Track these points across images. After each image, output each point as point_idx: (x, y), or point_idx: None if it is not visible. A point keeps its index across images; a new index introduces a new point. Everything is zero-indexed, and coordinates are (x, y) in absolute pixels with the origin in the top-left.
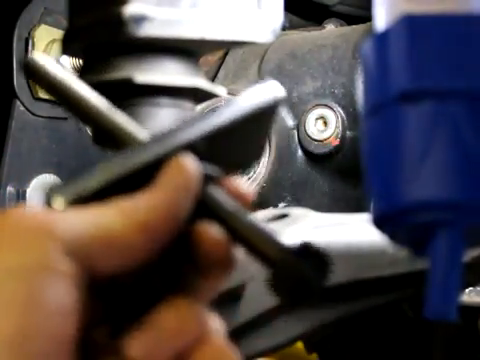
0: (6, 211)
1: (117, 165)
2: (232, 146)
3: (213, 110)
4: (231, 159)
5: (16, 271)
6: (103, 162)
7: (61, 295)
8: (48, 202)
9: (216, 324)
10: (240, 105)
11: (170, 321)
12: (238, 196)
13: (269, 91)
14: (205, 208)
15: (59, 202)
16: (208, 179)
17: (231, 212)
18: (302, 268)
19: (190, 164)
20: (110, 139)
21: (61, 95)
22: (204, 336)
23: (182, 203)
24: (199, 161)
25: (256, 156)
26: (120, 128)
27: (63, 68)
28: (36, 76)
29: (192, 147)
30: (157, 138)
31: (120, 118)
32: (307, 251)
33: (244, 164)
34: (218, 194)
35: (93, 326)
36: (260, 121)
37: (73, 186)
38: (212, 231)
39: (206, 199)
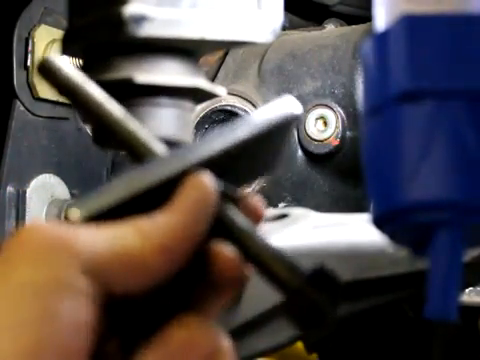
0: (26, 225)
1: (136, 180)
2: (248, 161)
3: (231, 124)
4: (246, 173)
5: (33, 286)
6: (121, 176)
7: (76, 312)
8: (66, 215)
9: (226, 342)
10: (256, 121)
11: (181, 338)
12: (251, 212)
13: (286, 107)
14: (220, 227)
15: (77, 215)
16: (224, 196)
17: (247, 233)
18: (317, 297)
19: (208, 182)
20: (126, 150)
21: (77, 101)
22: (214, 354)
23: (200, 224)
24: (216, 177)
25: (271, 168)
26: (137, 139)
27: (78, 70)
28: (51, 78)
29: (209, 163)
30: (175, 153)
31: (137, 128)
32: (321, 277)
33: (259, 175)
34: (234, 213)
35: (105, 339)
36: (276, 136)
37: (92, 200)
38: (227, 252)
39: (222, 218)
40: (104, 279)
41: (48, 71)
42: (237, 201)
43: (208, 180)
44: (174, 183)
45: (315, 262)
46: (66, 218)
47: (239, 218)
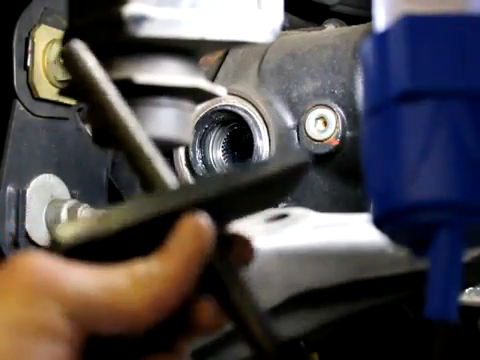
0: (18, 258)
1: (132, 212)
2: (250, 202)
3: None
4: (247, 211)
5: (15, 324)
6: (121, 205)
7: (53, 355)
8: (53, 236)
9: None
10: (265, 166)
11: None
12: (242, 252)
13: (296, 157)
14: (209, 274)
15: (64, 238)
16: (218, 237)
17: (232, 287)
18: None
19: (205, 228)
20: (133, 168)
21: (92, 100)
22: None
23: (193, 274)
24: (213, 217)
25: (271, 208)
26: (151, 167)
27: (100, 67)
28: (72, 68)
29: (209, 202)
30: (177, 189)
31: (148, 149)
32: (294, 348)
33: (260, 210)
34: (223, 262)
35: None
36: (282, 184)
37: (83, 225)
38: (208, 302)
39: (212, 265)
40: (89, 324)
41: (70, 60)
42: (229, 241)
43: (205, 226)
44: (172, 218)
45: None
46: (53, 239)
47: (228, 267)
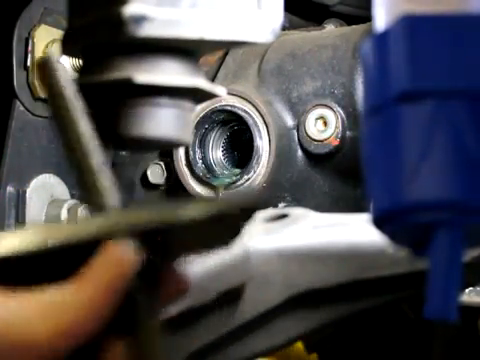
0: None
1: (53, 235)
2: (196, 237)
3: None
4: (190, 248)
5: None
6: (44, 227)
7: None
8: None
9: None
10: (214, 203)
11: None
12: (174, 286)
13: (247, 197)
14: (128, 307)
15: None
16: (147, 272)
17: (143, 331)
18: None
19: (126, 256)
20: (81, 187)
21: (57, 114)
22: None
23: (110, 303)
24: (145, 245)
25: (219, 248)
26: (94, 182)
27: (72, 84)
28: (46, 81)
29: (144, 230)
30: (109, 214)
31: (101, 170)
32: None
33: (205, 251)
34: (146, 298)
35: None
36: (230, 222)
37: (5, 243)
38: (119, 351)
39: (133, 299)
40: None
41: (45, 72)
42: (161, 273)
43: (128, 254)
44: (96, 244)
45: None
46: None
47: (148, 303)
